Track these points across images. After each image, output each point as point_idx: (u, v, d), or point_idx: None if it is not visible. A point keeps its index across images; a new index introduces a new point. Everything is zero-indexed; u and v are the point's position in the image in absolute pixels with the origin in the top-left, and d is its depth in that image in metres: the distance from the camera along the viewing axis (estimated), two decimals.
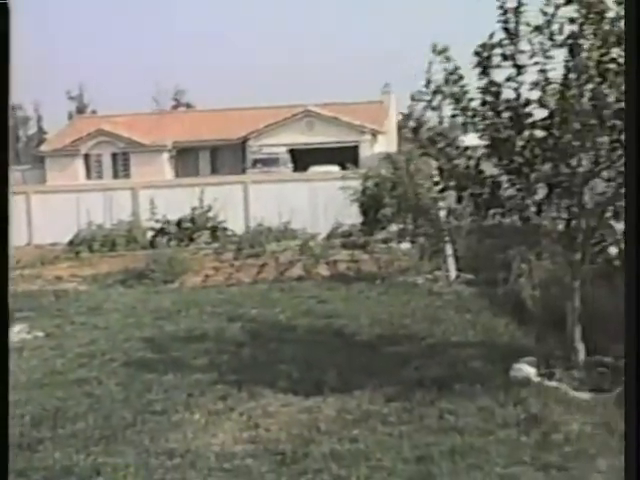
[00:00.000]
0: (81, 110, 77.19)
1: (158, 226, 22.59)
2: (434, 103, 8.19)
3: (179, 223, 22.31)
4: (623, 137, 7.26)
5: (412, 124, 8.58)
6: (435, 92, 8.11)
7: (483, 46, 7.66)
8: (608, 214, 7.45)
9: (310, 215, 23.36)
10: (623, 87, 7.08)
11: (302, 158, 42.98)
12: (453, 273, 14.14)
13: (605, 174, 7.61)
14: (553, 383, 7.50)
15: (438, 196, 13.90)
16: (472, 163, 8.02)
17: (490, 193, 8.01)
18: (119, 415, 7.25)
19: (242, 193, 24.29)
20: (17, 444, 6.38)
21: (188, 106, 67.41)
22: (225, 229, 22.63)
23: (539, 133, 7.33)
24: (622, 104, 7.09)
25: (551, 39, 7.38)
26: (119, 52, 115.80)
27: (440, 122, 8.47)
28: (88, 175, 47.21)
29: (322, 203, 23.50)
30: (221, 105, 51.00)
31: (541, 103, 7.45)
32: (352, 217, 22.67)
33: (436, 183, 8.35)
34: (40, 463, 6.18)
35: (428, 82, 8.16)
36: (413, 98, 11.12)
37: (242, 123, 45.67)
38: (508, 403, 7.00)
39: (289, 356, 9.00)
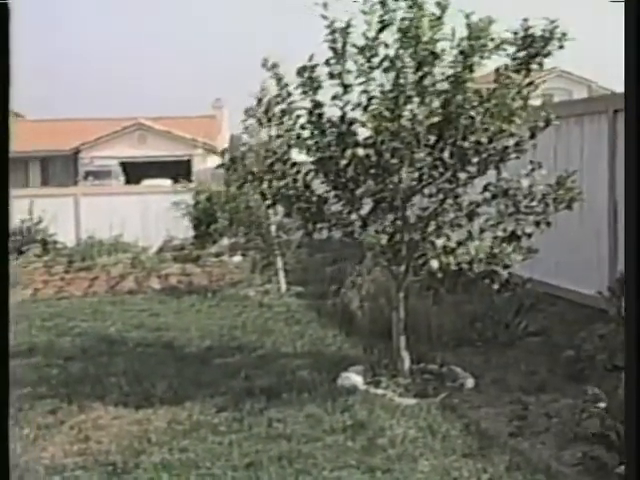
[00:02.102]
0: None
1: None
2: (264, 120, 8.37)
3: None
4: (446, 155, 7.65)
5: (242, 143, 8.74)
6: (266, 111, 8.29)
7: (304, 67, 7.89)
8: (430, 229, 7.78)
9: (141, 228, 23.14)
10: (441, 110, 7.48)
11: (134, 171, 42.53)
12: (284, 286, 14.34)
13: (427, 191, 7.96)
14: (379, 390, 7.78)
15: (269, 211, 14.16)
16: (300, 178, 8.24)
17: (317, 208, 8.25)
18: None
19: (73, 205, 23.83)
20: None
21: (17, 115, 65.39)
22: (56, 242, 22.15)
23: (361, 151, 7.59)
24: (438, 123, 7.48)
25: (369, 61, 7.67)
26: None
27: (270, 138, 8.62)
28: None
29: (154, 216, 23.34)
30: (52, 115, 49.73)
31: (362, 123, 7.73)
32: (184, 231, 22.74)
33: (264, 198, 8.50)
34: None
35: (259, 100, 8.33)
36: (247, 113, 11.33)
37: (73, 134, 44.78)
38: (335, 410, 7.20)
39: (119, 369, 8.95)
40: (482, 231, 7.75)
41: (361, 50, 7.65)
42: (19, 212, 22.38)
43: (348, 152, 7.63)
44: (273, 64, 8.22)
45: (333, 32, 7.76)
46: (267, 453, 6.29)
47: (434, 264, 7.42)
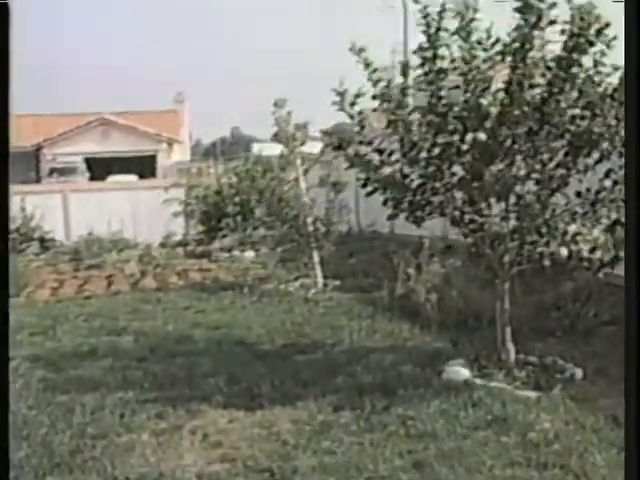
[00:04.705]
0: None
1: None
2: (355, 110, 8.11)
3: None
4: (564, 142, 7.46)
5: (335, 140, 8.47)
6: (352, 103, 8.06)
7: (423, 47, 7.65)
8: (546, 216, 7.55)
9: (132, 224, 22.81)
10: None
11: (99, 167, 41.83)
12: (320, 280, 14.05)
13: (535, 176, 7.74)
14: (496, 384, 7.56)
15: (307, 203, 13.91)
16: (397, 169, 8.00)
17: (413, 196, 8.01)
18: (56, 441, 6.65)
19: (61, 202, 23.30)
20: None
21: None
22: (54, 239, 21.63)
23: (482, 136, 7.28)
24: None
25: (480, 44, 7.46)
26: None
27: (361, 127, 8.29)
28: None
29: (144, 213, 23.05)
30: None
31: (479, 109, 7.43)
32: (177, 226, 22.50)
33: (364, 185, 8.19)
34: None
35: (340, 93, 8.03)
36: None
37: (35, 130, 43.79)
38: (467, 406, 6.96)
39: (206, 370, 8.61)
40: (598, 218, 7.53)
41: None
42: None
43: (469, 137, 7.34)
44: (360, 48, 7.98)
45: (426, 16, 7.56)
46: (425, 452, 6.02)
47: (563, 252, 7.17)
